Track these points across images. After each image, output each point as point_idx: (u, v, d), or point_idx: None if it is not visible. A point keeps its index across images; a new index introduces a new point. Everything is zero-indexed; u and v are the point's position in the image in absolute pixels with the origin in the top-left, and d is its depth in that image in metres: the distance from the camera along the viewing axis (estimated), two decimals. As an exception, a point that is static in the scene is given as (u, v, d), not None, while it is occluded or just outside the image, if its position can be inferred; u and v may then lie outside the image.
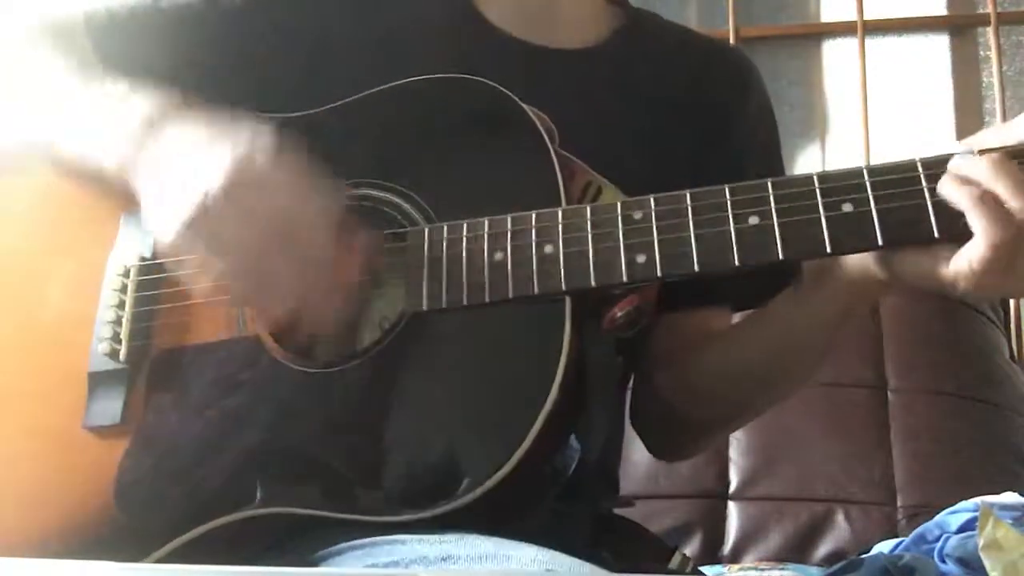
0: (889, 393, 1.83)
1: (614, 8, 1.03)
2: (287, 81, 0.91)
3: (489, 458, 0.70)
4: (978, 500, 1.37)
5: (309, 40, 0.93)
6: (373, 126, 0.86)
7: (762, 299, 0.91)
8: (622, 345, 0.89)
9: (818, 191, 0.70)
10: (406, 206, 0.81)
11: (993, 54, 2.31)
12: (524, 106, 0.81)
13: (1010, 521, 1.14)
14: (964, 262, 0.68)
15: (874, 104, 2.31)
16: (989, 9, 2.32)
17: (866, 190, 0.70)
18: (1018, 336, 2.10)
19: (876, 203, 0.69)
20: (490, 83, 0.82)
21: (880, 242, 0.69)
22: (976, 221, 0.67)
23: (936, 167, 0.69)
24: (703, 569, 1.40)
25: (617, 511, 0.94)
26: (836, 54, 2.48)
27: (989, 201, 0.67)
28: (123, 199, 0.82)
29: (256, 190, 0.72)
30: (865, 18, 2.37)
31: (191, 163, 0.74)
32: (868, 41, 2.37)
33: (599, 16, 1.01)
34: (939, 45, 2.43)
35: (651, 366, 0.97)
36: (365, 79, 0.86)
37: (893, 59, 2.40)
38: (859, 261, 0.76)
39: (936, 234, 0.68)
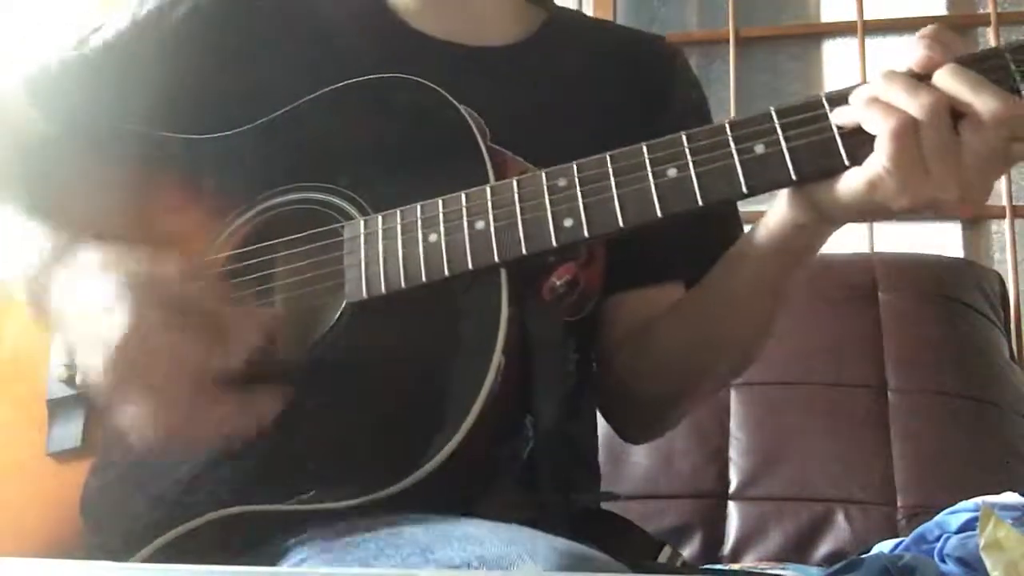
0: (889, 393, 1.83)
1: (535, 8, 1.05)
2: (221, 100, 0.92)
3: (437, 435, 0.71)
4: (978, 500, 1.37)
5: (237, 58, 0.94)
6: (310, 132, 0.88)
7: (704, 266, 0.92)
8: (576, 331, 0.90)
9: (730, 137, 0.73)
10: (346, 206, 0.82)
11: (993, 54, 2.30)
12: (451, 99, 0.83)
13: (1010, 521, 1.14)
14: (876, 165, 0.69)
15: (874, 104, 2.30)
16: (989, 9, 2.32)
17: (776, 131, 0.72)
18: (1018, 336, 2.10)
19: (786, 141, 0.72)
20: (419, 80, 0.84)
21: (793, 177, 0.71)
22: (870, 120, 0.69)
23: (840, 100, 0.71)
24: (703, 569, 1.40)
25: (604, 506, 0.94)
26: (836, 54, 2.48)
27: (878, 101, 0.69)
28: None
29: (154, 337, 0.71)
30: (865, 18, 2.37)
31: (82, 311, 0.74)
32: (868, 41, 2.37)
33: (520, 14, 1.03)
34: (939, 45, 2.43)
35: (610, 350, 0.98)
36: (295, 92, 0.88)
37: (893, 59, 2.40)
38: (781, 210, 0.77)
39: (847, 162, 0.70)
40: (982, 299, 1.97)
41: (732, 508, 1.78)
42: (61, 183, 0.88)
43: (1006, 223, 2.19)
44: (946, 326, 1.91)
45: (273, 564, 0.72)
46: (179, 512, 0.75)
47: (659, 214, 0.73)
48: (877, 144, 0.68)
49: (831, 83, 2.45)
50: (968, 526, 1.28)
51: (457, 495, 0.74)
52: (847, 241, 2.38)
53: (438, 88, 0.83)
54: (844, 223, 0.77)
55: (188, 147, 0.91)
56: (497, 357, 0.72)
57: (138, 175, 0.87)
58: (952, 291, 1.94)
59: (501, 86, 0.95)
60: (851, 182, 0.71)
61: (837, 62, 2.46)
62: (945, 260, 2.07)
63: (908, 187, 0.68)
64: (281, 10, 0.98)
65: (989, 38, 2.33)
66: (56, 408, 0.84)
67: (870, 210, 0.72)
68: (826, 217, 0.76)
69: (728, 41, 2.44)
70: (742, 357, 0.95)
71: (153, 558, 0.74)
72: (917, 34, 0.72)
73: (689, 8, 2.60)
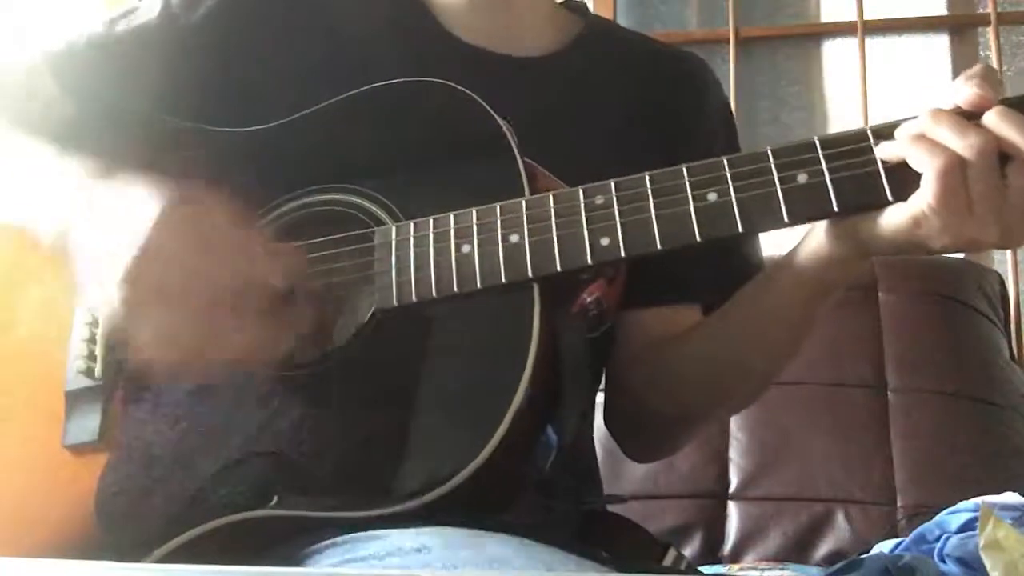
0: (889, 393, 1.83)
1: (572, 16, 1.04)
2: (250, 94, 0.92)
3: (466, 447, 0.70)
4: (978, 500, 1.37)
5: (268, 54, 0.94)
6: (339, 132, 0.87)
7: (730, 295, 0.92)
8: (594, 349, 0.89)
9: (773, 165, 0.72)
10: (374, 208, 0.81)
11: (993, 54, 2.31)
12: (486, 106, 0.81)
13: (1010, 521, 1.14)
14: (921, 203, 0.68)
15: (874, 104, 2.31)
16: (989, 9, 2.32)
17: (819, 161, 0.71)
18: (1018, 336, 2.10)
19: (830, 172, 0.70)
20: (453, 85, 0.83)
21: (836, 209, 0.70)
22: (917, 158, 0.68)
23: (886, 133, 0.71)
24: (703, 569, 1.40)
25: (610, 508, 0.94)
26: (836, 54, 2.48)
27: (924, 138, 0.68)
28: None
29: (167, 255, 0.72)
30: (865, 18, 2.37)
31: (109, 240, 0.74)
32: (868, 41, 2.37)
33: (557, 24, 1.02)
34: (939, 45, 2.44)
35: (622, 367, 0.97)
36: (326, 90, 0.87)
37: (893, 59, 2.40)
38: (817, 243, 0.77)
39: (890, 197, 0.70)
40: (982, 299, 1.97)
41: (732, 508, 1.78)
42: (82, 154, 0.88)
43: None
44: (946, 326, 1.91)
45: None
46: (195, 515, 0.74)
47: (698, 238, 0.72)
48: (923, 182, 0.67)
49: (831, 83, 2.46)
50: (968, 526, 1.28)
51: (481, 505, 0.72)
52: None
53: (475, 96, 0.82)
54: (880, 255, 0.76)
55: (214, 140, 0.89)
56: (528, 372, 0.71)
57: (160, 164, 0.86)
58: (952, 291, 1.94)
59: (532, 97, 0.94)
60: (894, 218, 0.70)
61: (837, 62, 2.46)
62: (945, 260, 2.07)
63: (950, 227, 0.68)
64: (315, 7, 0.97)
65: (989, 38, 2.33)
66: (74, 400, 0.83)
67: (909, 246, 0.71)
68: (864, 251, 0.75)
69: (728, 41, 2.44)
70: (760, 384, 0.95)
71: (166, 560, 0.73)
72: (965, 74, 0.70)
73: (689, 8, 2.60)
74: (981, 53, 2.40)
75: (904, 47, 2.43)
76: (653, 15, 2.61)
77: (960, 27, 2.43)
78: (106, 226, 0.75)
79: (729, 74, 2.39)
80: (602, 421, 1.01)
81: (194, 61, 0.93)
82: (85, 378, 0.83)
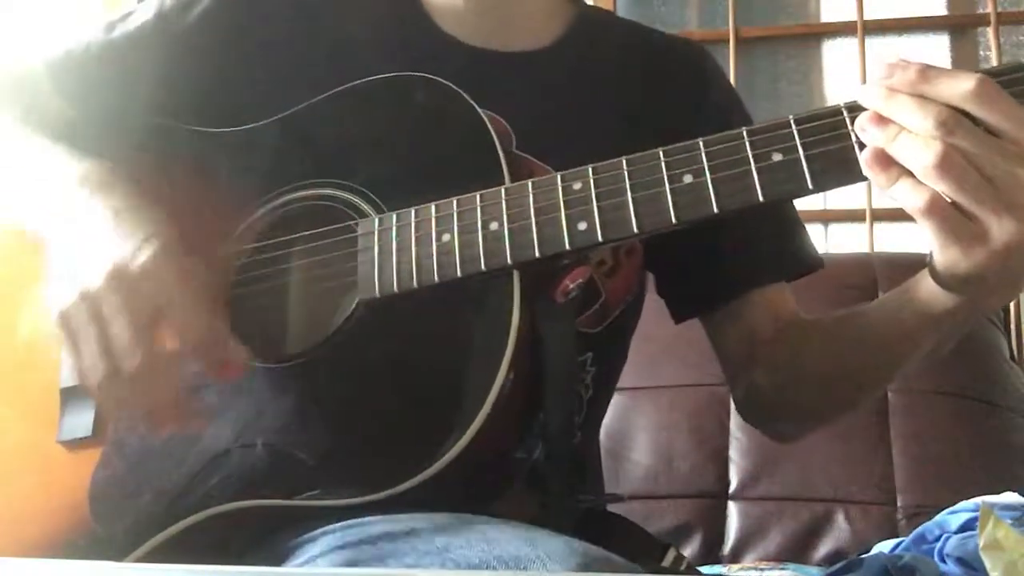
0: (889, 393, 1.83)
1: (566, 5, 1.03)
2: (244, 95, 0.92)
3: (450, 431, 0.71)
4: (978, 500, 1.37)
5: (263, 55, 0.94)
6: (325, 128, 0.88)
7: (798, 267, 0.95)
8: (595, 344, 0.89)
9: (747, 143, 0.72)
10: (361, 203, 0.82)
11: (993, 54, 2.31)
12: (468, 99, 0.82)
13: (1010, 521, 1.14)
14: (934, 204, 0.65)
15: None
16: (989, 9, 2.32)
17: (794, 138, 0.71)
18: (1018, 336, 2.10)
19: (804, 149, 0.70)
20: (436, 79, 0.84)
21: (811, 186, 0.70)
22: (902, 153, 0.66)
23: (860, 109, 0.70)
24: (703, 569, 1.40)
25: (610, 508, 0.94)
26: (836, 54, 2.48)
27: (902, 135, 0.66)
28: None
29: (130, 297, 0.72)
30: (865, 18, 2.37)
31: (85, 255, 0.75)
32: (868, 41, 2.37)
33: (552, 15, 1.02)
34: (939, 45, 2.44)
35: (739, 369, 0.98)
36: (319, 90, 0.88)
37: (893, 59, 2.40)
38: (933, 287, 0.74)
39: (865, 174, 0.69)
40: (982, 299, 1.96)
41: (732, 508, 1.78)
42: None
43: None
44: (946, 326, 1.91)
45: (281, 561, 0.72)
46: (185, 505, 0.75)
47: (674, 220, 0.72)
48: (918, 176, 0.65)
49: (831, 83, 2.46)
50: (968, 526, 1.28)
51: (469, 494, 0.74)
52: (847, 241, 2.39)
53: (456, 88, 0.83)
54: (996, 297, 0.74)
55: (207, 140, 0.90)
56: (508, 358, 0.72)
57: (155, 166, 0.86)
58: (952, 291, 1.94)
59: (529, 92, 0.94)
60: (960, 249, 0.67)
61: (837, 62, 2.46)
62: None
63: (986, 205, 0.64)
64: (307, 7, 0.97)
65: (989, 38, 2.33)
66: (68, 396, 0.84)
67: (991, 260, 0.66)
68: (965, 290, 0.72)
69: (728, 41, 2.44)
70: (873, 391, 0.97)
71: (158, 550, 0.74)
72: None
73: (689, 8, 2.60)
74: (981, 53, 2.40)
75: (904, 47, 2.43)
76: (653, 15, 2.61)
77: (960, 27, 2.43)
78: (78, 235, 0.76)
79: (729, 74, 2.39)
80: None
81: (188, 63, 0.94)
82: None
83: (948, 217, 0.65)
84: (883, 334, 0.84)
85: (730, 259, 0.95)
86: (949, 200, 0.65)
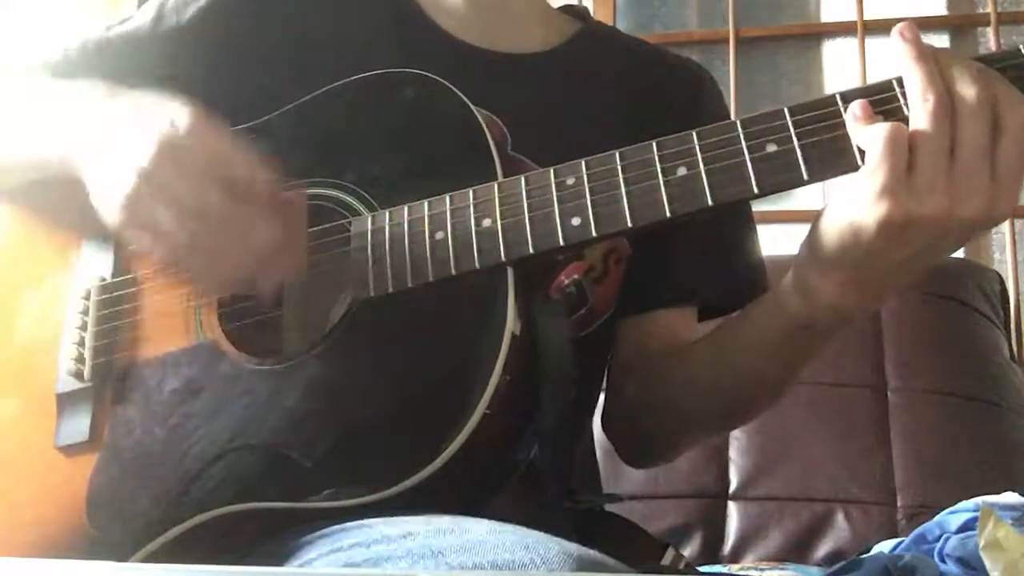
0: (889, 393, 1.83)
1: (572, 20, 1.04)
2: (241, 94, 0.92)
3: (445, 430, 0.71)
4: (978, 500, 1.37)
5: (261, 54, 0.94)
6: (318, 127, 0.87)
7: (727, 305, 0.93)
8: (581, 348, 0.90)
9: (742, 135, 0.71)
10: (354, 202, 0.82)
11: (993, 54, 2.31)
12: (461, 95, 0.82)
13: (1010, 521, 1.14)
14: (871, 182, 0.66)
15: (874, 104, 2.30)
16: (989, 9, 2.32)
17: (788, 129, 0.70)
18: (1018, 336, 2.10)
19: (799, 139, 0.70)
20: (427, 75, 0.83)
21: (805, 177, 0.70)
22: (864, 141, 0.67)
23: (854, 98, 0.70)
24: (703, 569, 1.40)
25: (609, 508, 0.94)
26: (836, 54, 2.48)
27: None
28: (79, 223, 0.84)
29: (189, 155, 0.72)
30: (865, 18, 2.37)
31: (124, 143, 0.74)
32: (868, 41, 2.37)
33: (552, 22, 1.03)
34: (939, 45, 2.43)
35: (620, 375, 0.98)
36: (313, 88, 0.88)
37: (893, 59, 2.40)
38: (801, 275, 0.75)
39: (860, 162, 0.68)
40: (982, 299, 1.97)
41: (732, 508, 1.78)
42: None
43: (1006, 223, 2.19)
44: (946, 326, 1.91)
45: (279, 563, 0.72)
46: (182, 509, 0.75)
47: (668, 214, 0.72)
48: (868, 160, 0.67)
49: (831, 83, 2.46)
50: (968, 526, 1.28)
51: (465, 494, 0.73)
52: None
53: (448, 84, 0.83)
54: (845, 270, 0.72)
55: None
56: (503, 355, 0.72)
57: None
58: (952, 291, 1.94)
59: (527, 95, 0.95)
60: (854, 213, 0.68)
61: (837, 62, 2.46)
62: (945, 260, 2.06)
63: (893, 193, 0.66)
64: (303, 5, 0.97)
65: (989, 38, 2.33)
66: (65, 401, 0.84)
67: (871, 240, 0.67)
68: (825, 268, 0.72)
69: (728, 41, 2.44)
70: (750, 408, 0.94)
71: (155, 555, 0.74)
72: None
73: (689, 8, 2.60)
74: (981, 53, 2.40)
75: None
76: (653, 15, 2.61)
77: (960, 27, 2.43)
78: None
79: (729, 74, 2.39)
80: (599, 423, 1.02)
81: (183, 61, 0.94)
82: (75, 380, 0.84)
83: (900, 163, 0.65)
84: (737, 345, 0.85)
85: (646, 273, 0.95)
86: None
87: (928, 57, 0.68)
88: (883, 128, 0.66)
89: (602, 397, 1.02)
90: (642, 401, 0.95)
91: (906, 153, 0.66)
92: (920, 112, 0.66)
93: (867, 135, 0.67)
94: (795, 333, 0.79)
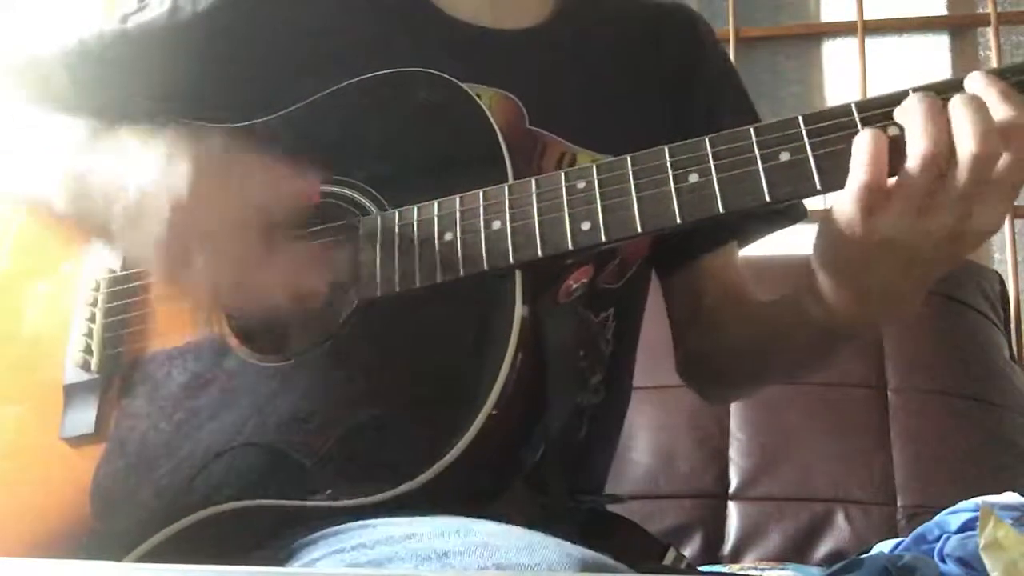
0: (889, 393, 1.83)
1: None
2: (246, 87, 0.92)
3: (449, 434, 0.71)
4: (978, 500, 1.37)
5: (262, 44, 0.94)
6: (330, 126, 0.87)
7: (761, 232, 0.97)
8: (615, 299, 0.91)
9: (755, 143, 0.71)
10: (364, 200, 0.82)
11: (993, 54, 2.31)
12: (472, 94, 0.82)
13: (1010, 521, 1.14)
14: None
15: (874, 104, 2.30)
16: (989, 9, 2.32)
17: (802, 138, 0.69)
18: (1018, 336, 2.10)
19: (813, 149, 0.69)
20: (439, 74, 0.83)
21: (819, 187, 0.69)
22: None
23: (871, 110, 0.69)
24: (703, 569, 1.40)
25: (610, 508, 0.94)
26: (836, 54, 2.48)
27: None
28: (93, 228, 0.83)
29: (217, 192, 0.73)
30: (865, 18, 2.37)
31: (148, 179, 0.74)
32: (868, 41, 2.37)
33: None
34: (939, 45, 2.43)
35: (681, 328, 1.02)
36: (320, 79, 0.88)
37: (893, 59, 2.40)
38: (813, 282, 0.76)
39: None
40: (982, 299, 1.97)
41: (732, 508, 1.78)
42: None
43: (1006, 223, 2.19)
44: (946, 326, 1.91)
45: (282, 563, 0.72)
46: (185, 504, 0.75)
47: (678, 220, 0.71)
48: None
49: (831, 83, 2.45)
50: (968, 526, 1.28)
51: (470, 495, 0.73)
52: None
53: (459, 83, 0.82)
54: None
55: (210, 136, 0.90)
56: (509, 359, 0.71)
57: None
58: (952, 291, 1.94)
59: (535, 68, 0.95)
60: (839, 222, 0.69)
61: (837, 62, 2.46)
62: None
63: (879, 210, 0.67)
64: None
65: (989, 38, 2.33)
66: (72, 393, 0.84)
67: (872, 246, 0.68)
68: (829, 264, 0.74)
69: (728, 41, 2.44)
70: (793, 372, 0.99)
71: (157, 549, 0.74)
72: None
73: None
74: (981, 53, 2.40)
75: (904, 47, 2.43)
76: (653, 15, 2.61)
77: (960, 27, 2.43)
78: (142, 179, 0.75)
79: (729, 74, 2.39)
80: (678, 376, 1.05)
81: (197, 53, 0.94)
82: (82, 372, 0.84)
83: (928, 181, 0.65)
84: (775, 325, 0.88)
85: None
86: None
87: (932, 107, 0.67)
88: (866, 135, 0.66)
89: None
90: (702, 350, 0.99)
91: (885, 166, 0.66)
92: (912, 160, 0.66)
93: (856, 140, 0.67)
94: (822, 337, 0.81)
